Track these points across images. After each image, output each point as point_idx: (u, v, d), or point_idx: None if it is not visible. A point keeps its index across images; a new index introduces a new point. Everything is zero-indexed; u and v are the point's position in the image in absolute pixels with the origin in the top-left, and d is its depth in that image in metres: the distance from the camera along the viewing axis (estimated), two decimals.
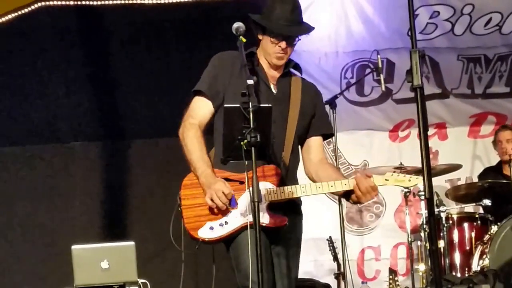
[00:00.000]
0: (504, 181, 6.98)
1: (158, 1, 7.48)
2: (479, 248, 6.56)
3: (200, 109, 4.25)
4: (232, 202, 4.00)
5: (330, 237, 6.94)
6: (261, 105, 3.84)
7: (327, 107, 6.01)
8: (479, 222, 6.78)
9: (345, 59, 7.71)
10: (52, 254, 7.18)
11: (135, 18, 7.58)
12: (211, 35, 7.34)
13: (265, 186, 4.08)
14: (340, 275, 6.76)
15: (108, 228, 7.47)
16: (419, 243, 7.08)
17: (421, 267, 6.93)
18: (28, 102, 7.53)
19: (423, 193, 6.63)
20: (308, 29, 4.27)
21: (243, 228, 4.01)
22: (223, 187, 3.98)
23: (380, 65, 6.78)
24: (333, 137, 6.80)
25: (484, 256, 6.40)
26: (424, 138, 3.52)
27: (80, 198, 7.52)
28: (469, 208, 7.09)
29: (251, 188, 3.72)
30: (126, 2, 7.50)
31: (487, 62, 7.82)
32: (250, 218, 3.86)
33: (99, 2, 7.45)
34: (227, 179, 4.07)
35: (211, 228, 4.05)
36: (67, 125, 7.59)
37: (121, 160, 7.64)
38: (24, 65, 7.51)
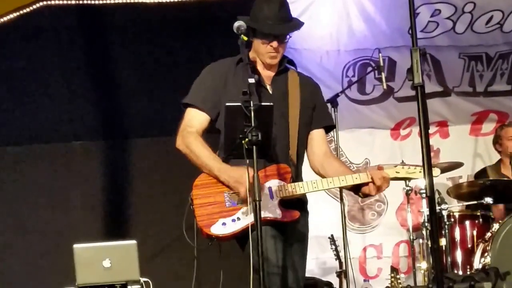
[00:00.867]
0: (505, 179, 6.99)
1: (160, 0, 7.48)
2: (481, 246, 6.54)
3: (196, 118, 4.25)
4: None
5: (332, 235, 6.93)
6: (262, 103, 3.85)
7: (328, 105, 6.00)
8: (480, 220, 6.78)
9: (346, 57, 7.70)
10: (54, 253, 7.17)
11: (136, 17, 7.58)
12: (212, 34, 7.34)
13: (278, 183, 4.11)
14: (342, 273, 6.75)
15: (110, 227, 7.47)
16: (420, 241, 7.09)
17: (423, 265, 6.94)
18: (29, 102, 7.53)
19: (424, 191, 6.69)
20: (297, 25, 4.27)
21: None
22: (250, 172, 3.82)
23: (381, 63, 6.79)
24: (335, 136, 6.84)
25: (486, 254, 6.38)
26: (425, 136, 3.52)
27: (81, 197, 7.52)
28: (471, 206, 7.10)
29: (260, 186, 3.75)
30: (128, 1, 7.50)
31: (488, 60, 7.81)
32: (263, 214, 3.87)
33: (100, 2, 7.44)
34: None
35: (224, 224, 4.06)
36: (69, 124, 7.59)
37: (122, 159, 7.64)
38: (25, 65, 7.51)
